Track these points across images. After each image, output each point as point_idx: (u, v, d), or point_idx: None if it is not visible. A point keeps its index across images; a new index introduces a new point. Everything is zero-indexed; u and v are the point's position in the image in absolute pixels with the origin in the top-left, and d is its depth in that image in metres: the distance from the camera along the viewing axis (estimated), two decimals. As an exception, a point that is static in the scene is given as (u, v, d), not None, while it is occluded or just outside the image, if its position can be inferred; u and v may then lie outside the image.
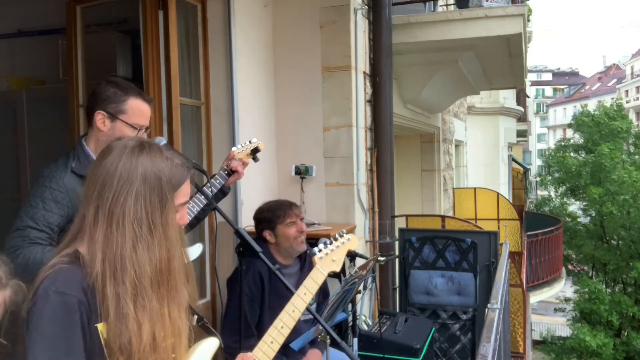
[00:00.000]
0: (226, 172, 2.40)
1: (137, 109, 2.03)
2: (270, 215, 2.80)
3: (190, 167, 1.35)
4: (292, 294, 1.62)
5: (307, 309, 1.80)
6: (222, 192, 2.46)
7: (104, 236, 1.20)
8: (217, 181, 2.37)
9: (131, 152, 1.25)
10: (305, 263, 2.84)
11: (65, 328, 1.15)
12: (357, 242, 1.85)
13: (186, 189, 1.32)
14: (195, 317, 1.47)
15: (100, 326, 1.20)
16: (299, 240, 2.73)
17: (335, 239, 1.77)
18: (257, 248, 1.80)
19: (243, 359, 1.44)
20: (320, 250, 1.71)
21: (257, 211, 2.91)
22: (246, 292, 2.49)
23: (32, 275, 1.90)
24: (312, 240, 3.21)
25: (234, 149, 2.49)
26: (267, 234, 2.77)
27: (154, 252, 1.22)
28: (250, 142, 2.51)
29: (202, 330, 1.53)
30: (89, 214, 1.23)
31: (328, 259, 1.71)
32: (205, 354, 1.40)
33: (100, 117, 2.00)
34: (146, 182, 1.23)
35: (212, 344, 1.42)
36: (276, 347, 1.49)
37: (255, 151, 2.51)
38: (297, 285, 1.61)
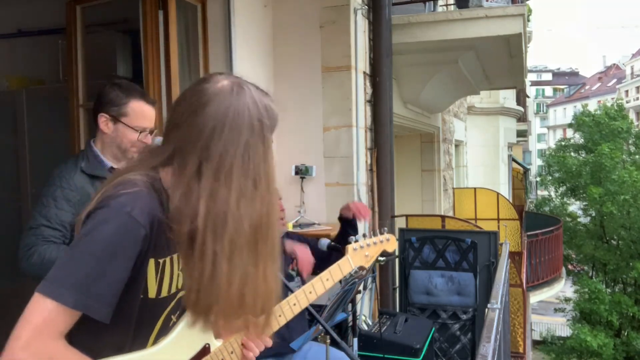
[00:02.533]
0: None
1: (139, 111, 2.04)
2: None
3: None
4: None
5: (306, 307, 1.80)
6: None
7: (209, 191, 1.09)
8: None
9: (234, 93, 1.13)
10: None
11: (119, 252, 1.07)
12: (395, 244, 1.73)
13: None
14: None
15: (150, 261, 1.15)
16: (280, 221, 2.75)
17: (375, 235, 1.66)
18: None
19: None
20: (356, 241, 1.61)
21: None
22: None
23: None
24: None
25: None
26: None
27: (255, 206, 1.12)
28: None
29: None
30: (190, 163, 1.10)
31: (361, 253, 1.61)
32: None
33: (103, 120, 2.03)
34: (253, 130, 1.12)
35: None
36: (282, 321, 1.45)
37: None
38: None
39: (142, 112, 2.04)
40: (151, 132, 2.07)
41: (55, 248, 1.91)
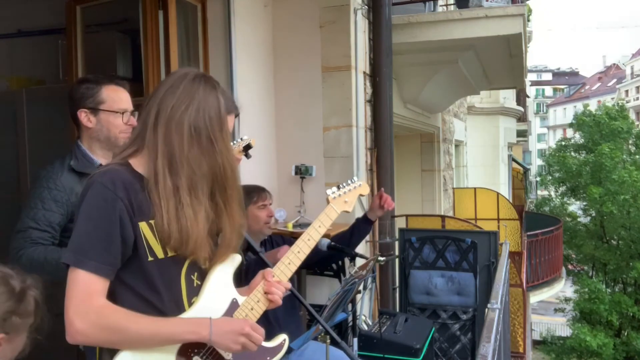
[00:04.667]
0: None
1: (114, 94, 2.05)
2: (244, 196, 2.81)
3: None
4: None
5: (306, 308, 1.80)
6: None
7: (163, 135, 1.33)
8: None
9: (192, 79, 1.39)
10: (267, 249, 2.86)
11: (101, 213, 1.29)
12: (368, 188, 2.00)
13: (232, 118, 1.51)
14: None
15: (142, 225, 1.32)
16: (268, 225, 2.80)
17: (348, 184, 1.89)
18: (257, 248, 1.81)
19: (264, 274, 1.51)
20: (333, 192, 1.83)
21: None
22: None
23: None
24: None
25: None
26: None
27: (214, 159, 1.36)
28: (242, 139, 2.51)
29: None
30: (149, 118, 1.35)
31: (341, 200, 1.83)
32: (228, 269, 1.48)
33: (84, 116, 2.02)
34: (207, 101, 1.37)
35: (235, 259, 1.50)
36: (293, 268, 1.58)
37: (247, 148, 2.51)
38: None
39: (117, 94, 2.05)
40: (132, 113, 2.07)
41: (43, 250, 1.88)
